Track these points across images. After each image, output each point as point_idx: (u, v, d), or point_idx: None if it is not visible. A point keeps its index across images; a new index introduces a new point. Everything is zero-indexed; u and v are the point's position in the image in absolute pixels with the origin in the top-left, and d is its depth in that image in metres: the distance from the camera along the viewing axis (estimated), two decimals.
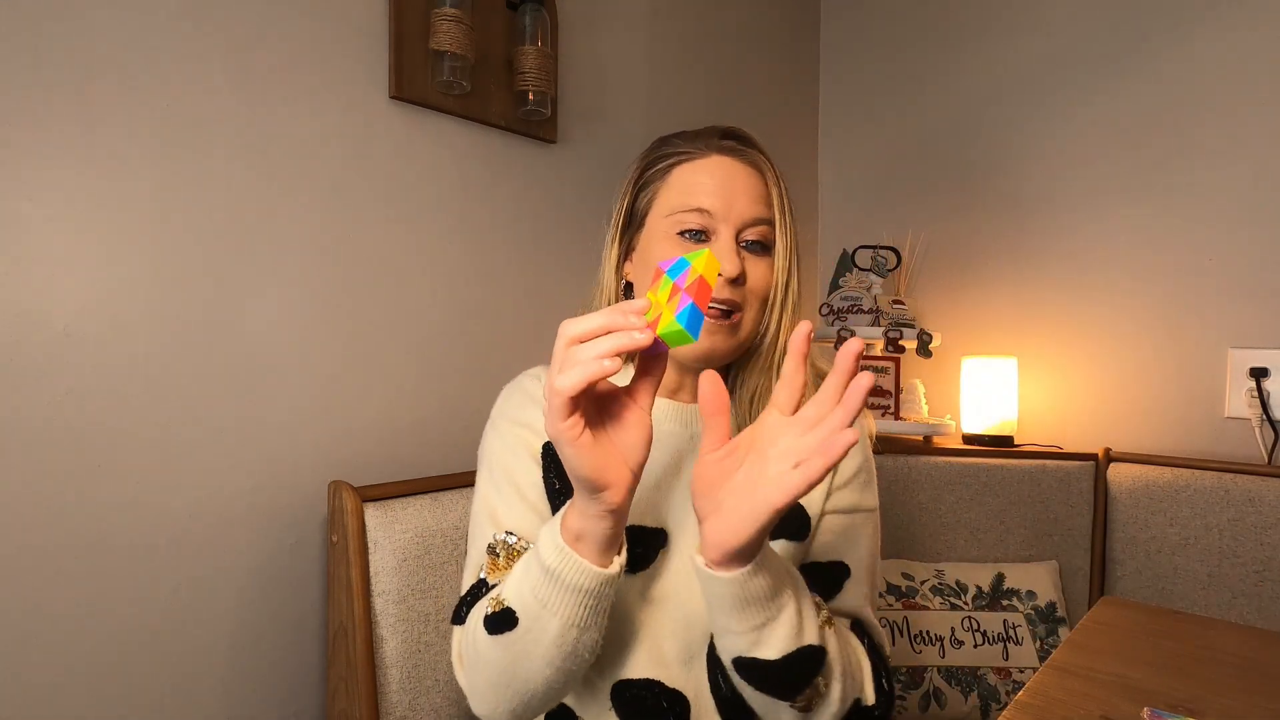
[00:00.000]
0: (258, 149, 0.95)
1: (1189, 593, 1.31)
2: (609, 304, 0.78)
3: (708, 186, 0.73)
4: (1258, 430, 1.40)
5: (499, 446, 0.76)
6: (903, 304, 1.66)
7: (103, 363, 0.83)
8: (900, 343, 1.57)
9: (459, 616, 0.69)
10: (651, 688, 0.70)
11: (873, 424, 0.86)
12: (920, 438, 1.60)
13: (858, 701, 0.67)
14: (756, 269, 0.74)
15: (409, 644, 0.92)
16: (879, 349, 1.62)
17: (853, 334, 1.58)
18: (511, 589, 0.62)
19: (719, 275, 0.70)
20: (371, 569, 0.92)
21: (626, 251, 0.80)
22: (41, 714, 0.79)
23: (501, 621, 0.61)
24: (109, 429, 0.84)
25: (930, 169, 1.82)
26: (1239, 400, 1.43)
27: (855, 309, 1.64)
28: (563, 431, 0.52)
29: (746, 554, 0.55)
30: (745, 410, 0.77)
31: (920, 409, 1.63)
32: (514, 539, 0.71)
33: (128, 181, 0.85)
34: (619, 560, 0.60)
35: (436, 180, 1.14)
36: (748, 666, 0.60)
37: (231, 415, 0.93)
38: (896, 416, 1.63)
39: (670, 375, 0.78)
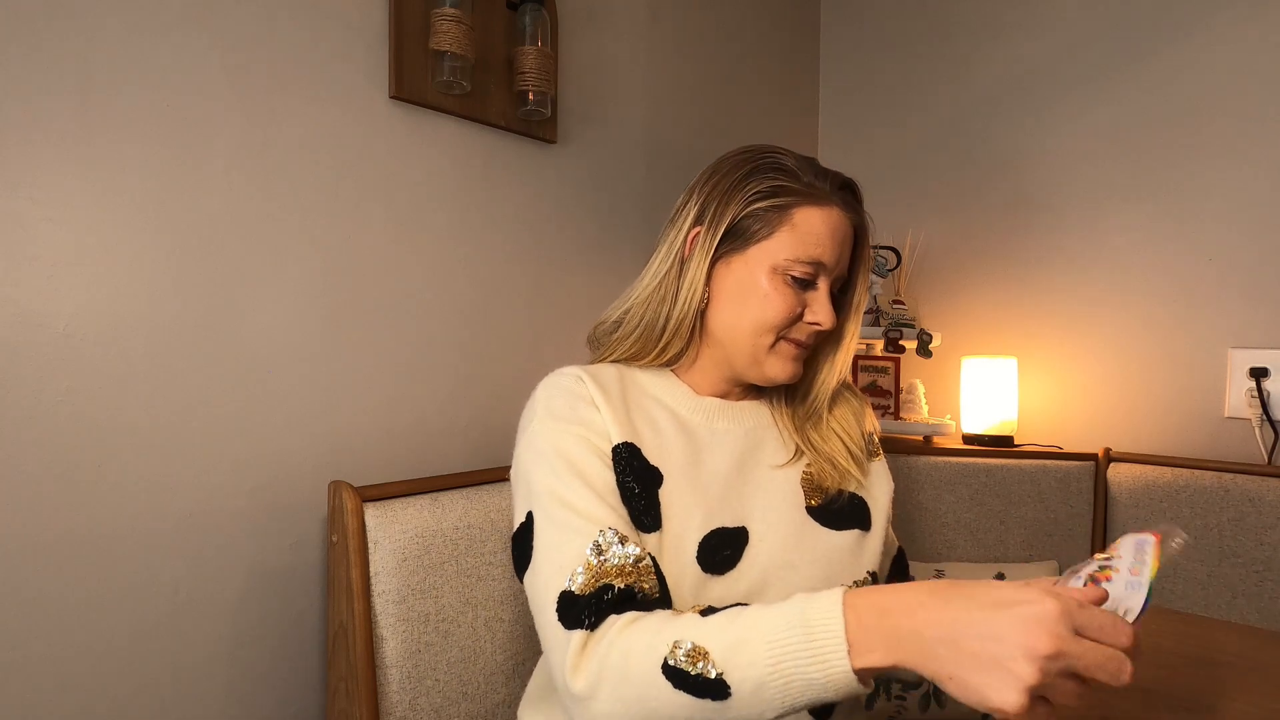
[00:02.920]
0: (257, 149, 0.95)
1: (1189, 593, 1.31)
2: (698, 307, 0.78)
3: (829, 241, 0.76)
4: (1258, 430, 1.40)
5: (565, 444, 0.71)
6: (903, 304, 1.66)
7: (103, 363, 0.83)
8: (900, 343, 1.57)
9: (578, 620, 0.61)
10: None
11: (876, 424, 0.90)
12: (920, 438, 1.60)
13: None
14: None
15: (409, 644, 0.92)
16: (879, 349, 1.62)
17: None
18: (736, 668, 0.53)
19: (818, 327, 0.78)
20: (371, 569, 0.92)
21: (713, 263, 0.79)
22: (42, 713, 0.79)
23: (703, 688, 0.54)
24: (109, 429, 0.84)
25: (930, 169, 1.82)
26: (1239, 400, 1.43)
27: None
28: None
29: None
30: (788, 421, 0.83)
31: (920, 409, 1.63)
32: (624, 541, 0.66)
33: (128, 181, 0.85)
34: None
35: (436, 180, 1.14)
36: None
37: (231, 415, 0.93)
38: (896, 416, 1.63)
39: (719, 381, 0.82)
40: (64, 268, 0.81)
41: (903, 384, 1.66)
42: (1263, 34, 1.41)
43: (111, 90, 0.83)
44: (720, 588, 0.71)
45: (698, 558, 0.71)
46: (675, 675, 0.55)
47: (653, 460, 0.74)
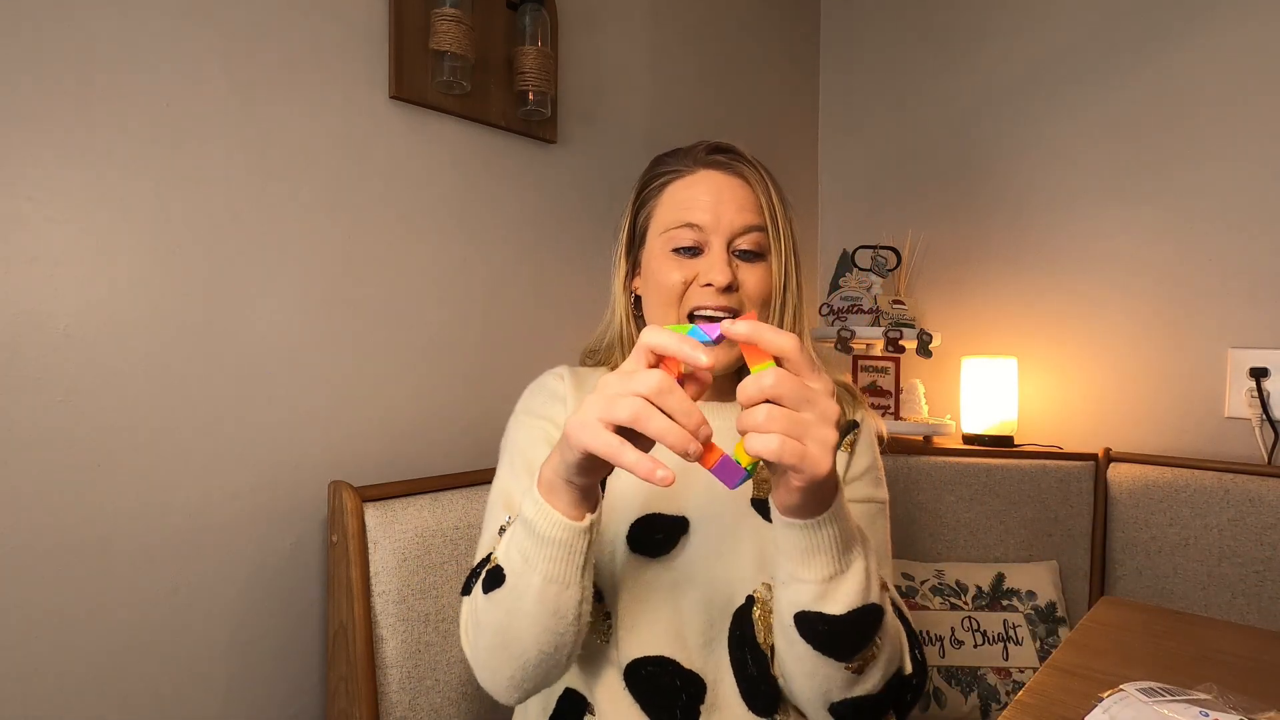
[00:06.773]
0: (257, 149, 0.95)
1: (1189, 593, 1.31)
2: (623, 315, 0.85)
3: (699, 202, 0.78)
4: (1258, 430, 1.40)
5: (521, 437, 0.80)
6: (903, 304, 1.66)
7: (103, 363, 0.83)
8: (900, 343, 1.57)
9: (466, 588, 0.70)
10: (666, 665, 0.71)
11: (882, 425, 0.88)
12: (920, 438, 1.60)
13: (899, 671, 0.67)
14: (751, 275, 0.78)
15: (409, 644, 0.92)
16: (879, 349, 1.62)
17: (853, 334, 1.58)
18: (503, 548, 0.64)
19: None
20: (371, 569, 0.92)
21: (633, 267, 0.85)
22: (42, 714, 0.79)
23: (494, 580, 0.63)
24: (109, 429, 0.84)
25: (930, 169, 1.82)
26: (1239, 400, 1.43)
27: (855, 309, 1.64)
28: (600, 445, 0.52)
29: (821, 501, 0.56)
30: None
31: (920, 409, 1.63)
32: None
33: (128, 182, 0.85)
34: (591, 516, 0.61)
35: (436, 180, 1.14)
36: (811, 621, 0.60)
37: (232, 415, 0.93)
38: (896, 416, 1.63)
39: None
40: (64, 268, 0.81)
41: (903, 384, 1.66)
42: (1261, 31, 1.41)
43: (111, 90, 0.83)
44: (656, 570, 0.74)
45: (628, 538, 0.74)
46: (485, 581, 0.65)
47: None
